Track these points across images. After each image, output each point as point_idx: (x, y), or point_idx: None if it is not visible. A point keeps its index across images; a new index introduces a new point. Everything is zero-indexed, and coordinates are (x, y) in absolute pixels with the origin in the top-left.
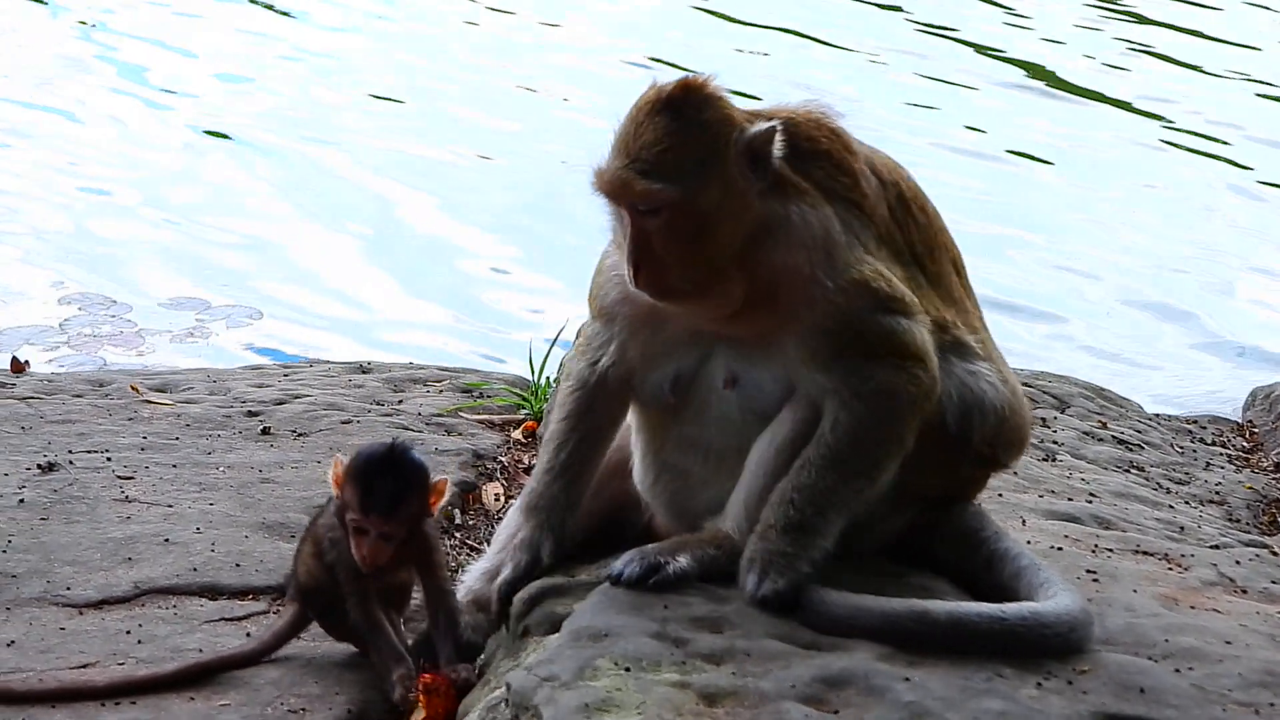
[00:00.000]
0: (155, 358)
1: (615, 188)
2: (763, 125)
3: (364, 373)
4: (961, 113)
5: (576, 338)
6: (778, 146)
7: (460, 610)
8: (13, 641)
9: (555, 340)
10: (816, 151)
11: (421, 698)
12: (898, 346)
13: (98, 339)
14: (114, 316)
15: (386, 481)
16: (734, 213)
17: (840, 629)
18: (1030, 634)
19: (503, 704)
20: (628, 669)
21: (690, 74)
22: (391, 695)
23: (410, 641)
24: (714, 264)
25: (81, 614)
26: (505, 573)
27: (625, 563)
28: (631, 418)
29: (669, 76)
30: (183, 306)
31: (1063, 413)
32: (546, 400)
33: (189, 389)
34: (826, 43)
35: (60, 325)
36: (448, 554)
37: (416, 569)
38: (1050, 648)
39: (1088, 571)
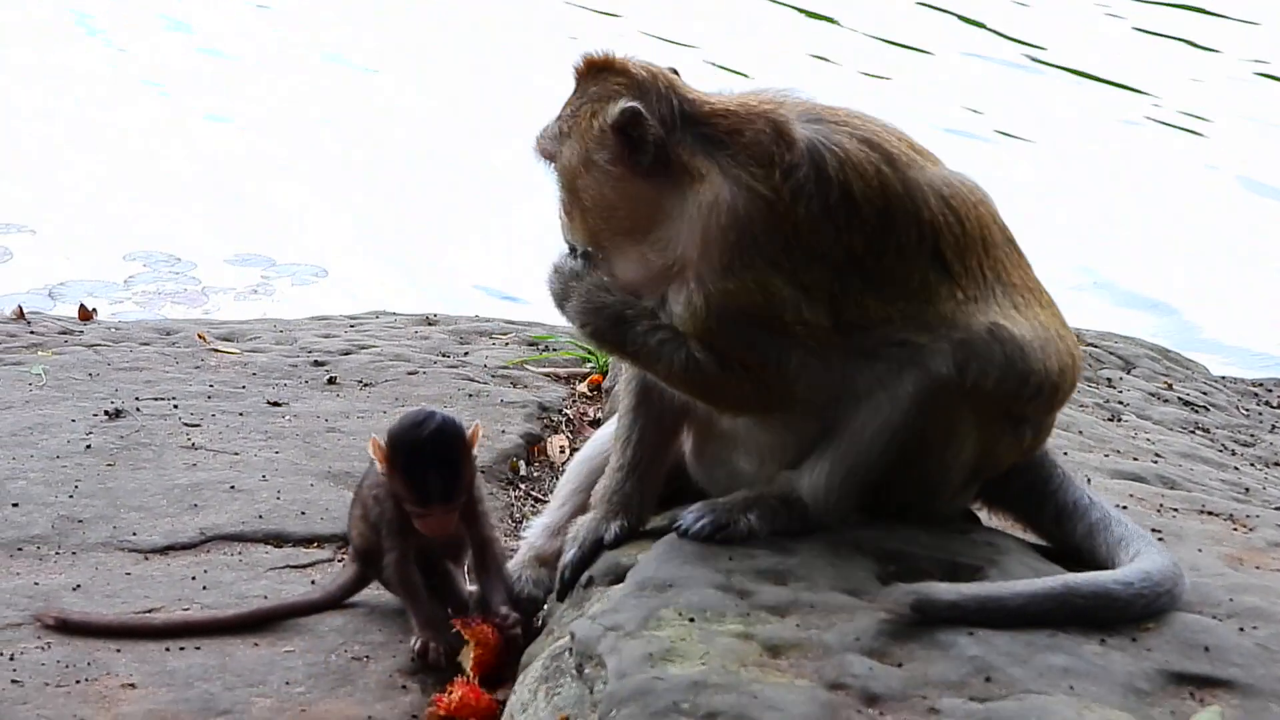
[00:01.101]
0: (219, 315)
1: (537, 145)
2: (625, 104)
3: (430, 324)
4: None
5: None
6: (653, 127)
7: (505, 559)
8: (78, 586)
9: None
10: (737, 140)
11: (473, 648)
12: (746, 358)
13: (161, 295)
14: (178, 274)
15: (439, 469)
16: (601, 186)
17: (970, 620)
18: (1146, 598)
19: (567, 653)
20: (692, 619)
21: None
22: (418, 656)
23: (470, 589)
24: (593, 230)
25: (147, 559)
26: (569, 553)
27: (695, 517)
28: None
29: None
30: (248, 263)
31: (1128, 373)
32: None
33: (255, 338)
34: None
35: (125, 281)
36: (511, 505)
37: (460, 518)
38: (1157, 609)
39: (1153, 530)
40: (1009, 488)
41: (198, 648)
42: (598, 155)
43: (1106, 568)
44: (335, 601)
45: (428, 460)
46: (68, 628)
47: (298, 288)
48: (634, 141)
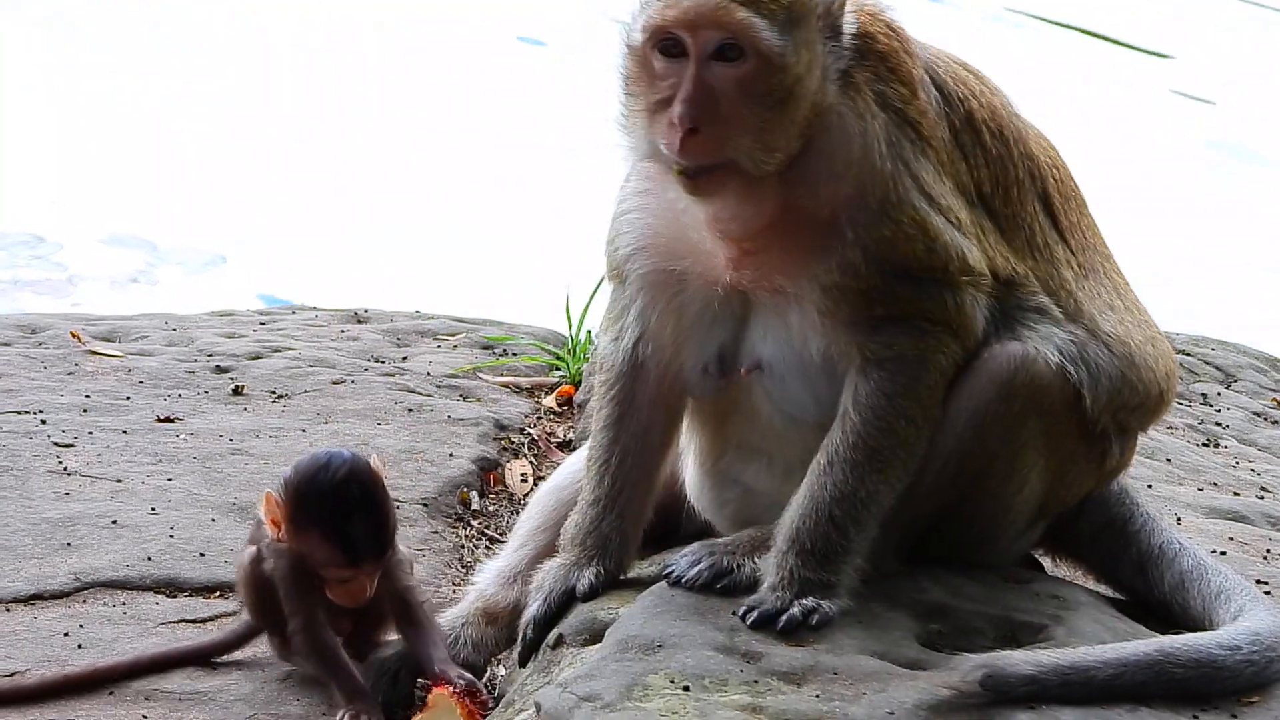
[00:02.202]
0: (93, 309)
1: (703, 14)
2: None
3: (359, 322)
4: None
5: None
6: (849, 20)
7: (432, 614)
8: None
9: (599, 287)
10: (870, 49)
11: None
12: (934, 310)
13: (19, 285)
14: (39, 257)
15: (366, 519)
16: (810, 86)
17: (1051, 697)
18: (1256, 665)
19: None
20: (686, 688)
21: None
22: None
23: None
24: (777, 145)
25: (9, 610)
26: (533, 606)
27: (690, 562)
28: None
29: None
30: (126, 244)
31: (1228, 388)
32: (586, 359)
33: (142, 337)
34: None
35: None
36: (461, 546)
37: None
38: (1267, 678)
39: (1258, 582)
40: (1080, 529)
41: None
42: (813, 44)
43: (1201, 624)
44: (240, 642)
45: (350, 510)
46: None
47: (190, 277)
48: (837, 34)
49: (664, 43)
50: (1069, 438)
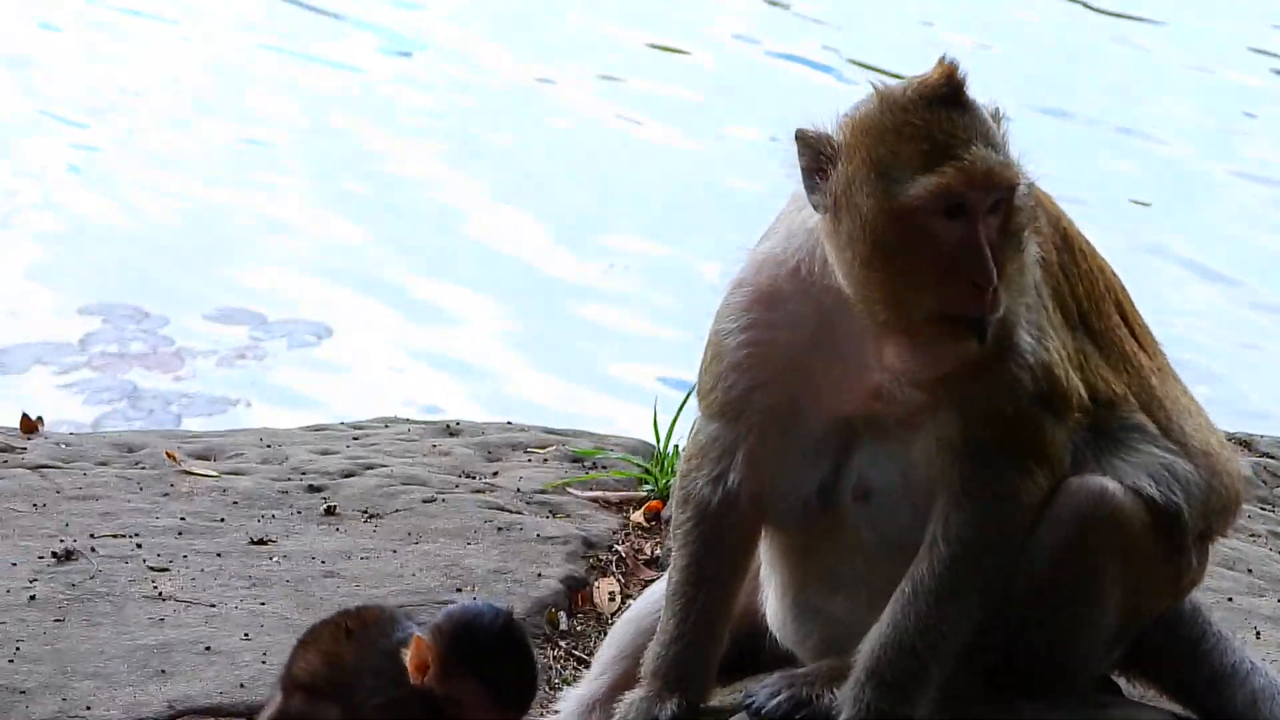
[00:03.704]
0: (196, 385)
1: (992, 176)
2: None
3: (451, 435)
4: None
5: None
6: None
7: None
8: None
9: (688, 398)
10: None
11: None
12: (1038, 447)
13: (126, 358)
14: (145, 332)
15: (523, 670)
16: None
17: None
18: None
19: None
20: None
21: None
22: None
23: None
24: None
25: None
26: None
27: (770, 693)
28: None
29: None
30: (232, 319)
31: None
32: (674, 474)
33: (237, 455)
34: None
35: (80, 341)
36: (549, 668)
37: None
38: None
39: None
40: (1153, 648)
41: None
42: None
43: None
44: None
45: (510, 659)
46: None
47: (294, 350)
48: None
49: (951, 206)
50: (1149, 561)
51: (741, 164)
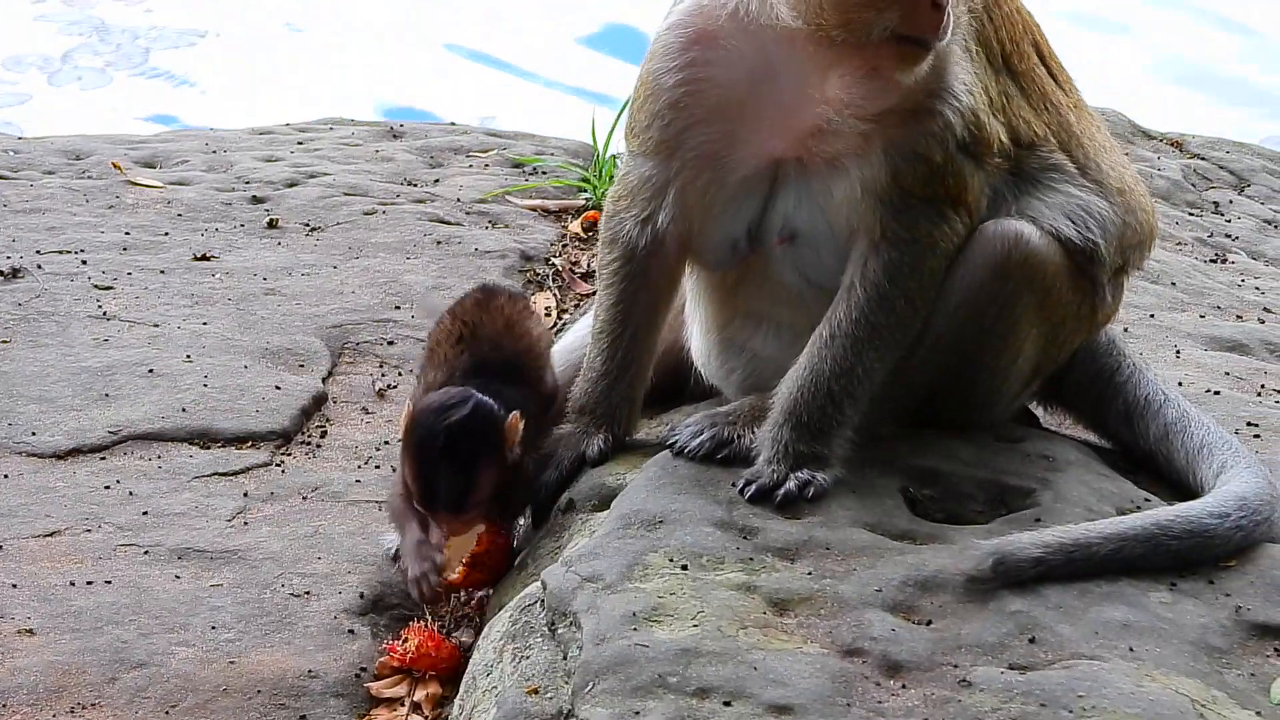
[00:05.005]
0: (164, 17)
1: None
2: None
3: (395, 138)
4: None
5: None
6: None
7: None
8: None
9: (627, 104)
10: None
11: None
12: (958, 193)
13: None
14: None
15: (450, 472)
16: None
17: (1057, 576)
18: (1244, 530)
19: (538, 604)
20: (684, 566)
21: None
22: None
23: None
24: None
25: (50, 464)
26: (546, 473)
27: (692, 432)
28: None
29: None
30: None
31: (1240, 193)
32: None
33: (183, 162)
34: None
35: None
36: None
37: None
38: (1254, 542)
39: (1247, 425)
40: (1070, 381)
41: (108, 581)
42: None
43: (1185, 479)
44: None
45: (438, 458)
46: None
47: None
48: None
49: None
50: (1065, 301)
51: None
